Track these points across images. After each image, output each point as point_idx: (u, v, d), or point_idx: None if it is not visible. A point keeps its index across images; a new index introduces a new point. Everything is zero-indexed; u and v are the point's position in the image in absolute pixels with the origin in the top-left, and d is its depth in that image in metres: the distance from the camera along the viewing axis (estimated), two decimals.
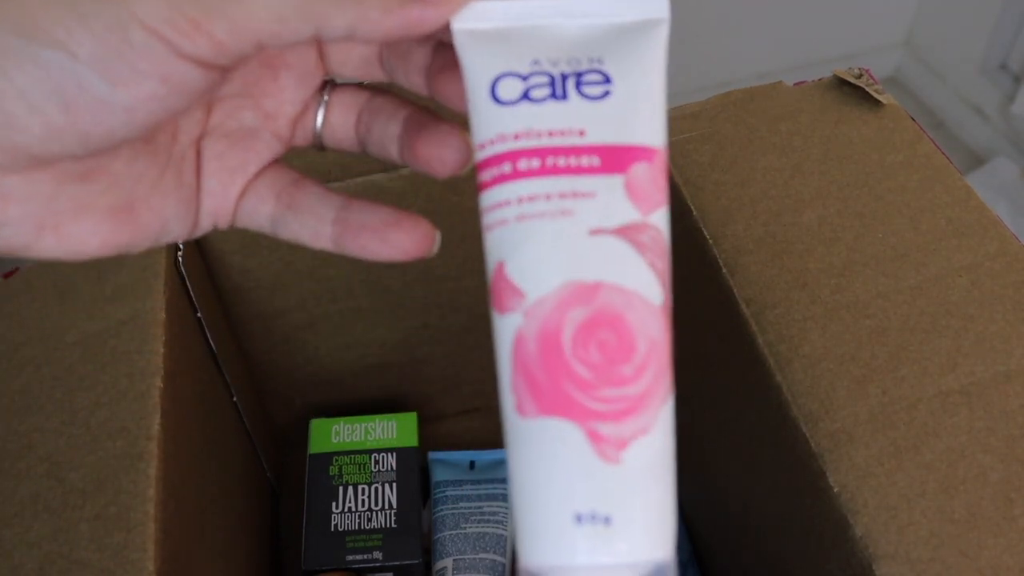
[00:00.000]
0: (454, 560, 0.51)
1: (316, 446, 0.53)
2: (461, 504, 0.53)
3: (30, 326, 0.38)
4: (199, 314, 0.44)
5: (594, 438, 0.20)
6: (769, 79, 0.47)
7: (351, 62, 0.24)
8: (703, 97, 0.46)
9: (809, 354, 0.35)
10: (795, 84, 0.47)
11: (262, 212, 0.24)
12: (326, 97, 0.25)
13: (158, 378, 0.36)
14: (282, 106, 0.24)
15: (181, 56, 0.18)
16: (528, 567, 0.20)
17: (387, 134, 0.25)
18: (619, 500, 0.20)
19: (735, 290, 0.38)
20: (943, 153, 0.43)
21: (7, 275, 0.41)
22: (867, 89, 0.45)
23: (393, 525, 0.49)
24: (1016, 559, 0.30)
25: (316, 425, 0.54)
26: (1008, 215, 1.39)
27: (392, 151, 0.25)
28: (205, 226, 0.24)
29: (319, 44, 0.24)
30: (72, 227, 0.21)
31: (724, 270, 0.38)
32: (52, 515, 0.33)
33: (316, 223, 0.24)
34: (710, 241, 0.39)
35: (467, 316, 0.55)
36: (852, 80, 0.46)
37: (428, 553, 0.52)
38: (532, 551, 0.20)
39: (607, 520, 0.19)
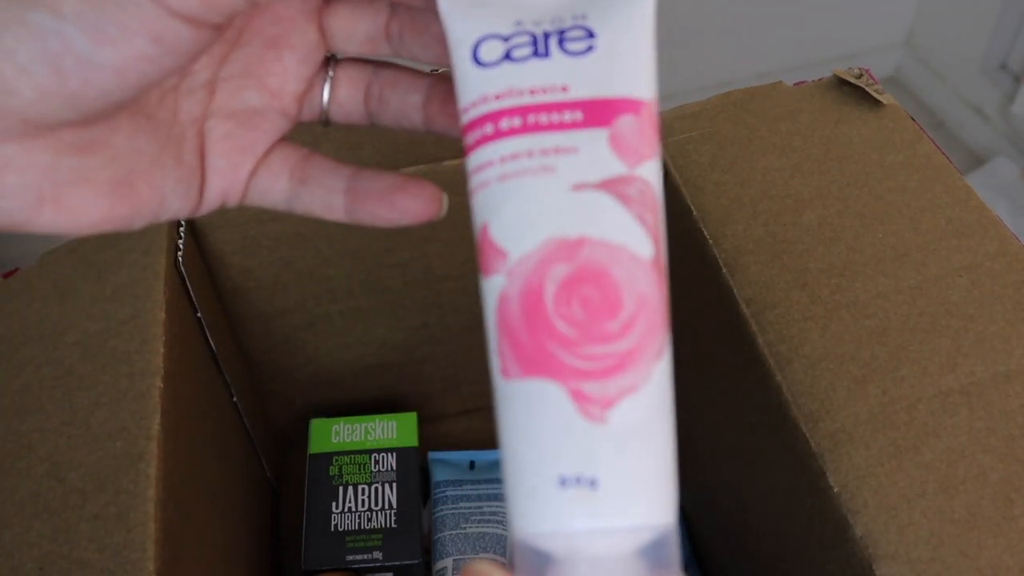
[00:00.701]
0: (454, 560, 0.51)
1: (316, 446, 0.53)
2: (461, 504, 0.53)
3: (30, 326, 0.38)
4: (199, 314, 0.44)
5: (578, 398, 0.19)
6: (769, 79, 0.47)
7: (355, 38, 0.24)
8: (703, 97, 0.46)
9: (809, 354, 0.35)
10: (795, 84, 0.47)
11: (277, 189, 0.25)
12: (331, 73, 0.25)
13: (158, 378, 0.36)
14: (287, 84, 0.24)
15: (171, 13, 0.18)
16: (515, 534, 0.19)
17: (408, 103, 0.25)
18: (606, 461, 0.19)
19: (735, 290, 0.38)
20: (943, 153, 0.43)
21: (7, 275, 0.41)
22: (867, 89, 0.45)
23: (393, 525, 0.49)
24: (1016, 559, 0.30)
25: (316, 425, 0.54)
26: (1008, 215, 1.39)
27: (416, 120, 0.25)
28: (213, 204, 0.24)
29: (320, 19, 0.24)
30: (71, 199, 0.21)
31: (724, 270, 0.38)
32: (52, 515, 0.33)
33: (328, 195, 0.25)
34: (710, 241, 0.39)
35: (467, 316, 0.55)
36: (852, 80, 0.46)
37: (428, 553, 0.52)
38: (517, 517, 0.19)
39: (593, 483, 0.19)
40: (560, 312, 0.19)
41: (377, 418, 0.54)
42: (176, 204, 0.23)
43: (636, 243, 0.20)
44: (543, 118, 0.20)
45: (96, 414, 0.35)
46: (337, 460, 0.52)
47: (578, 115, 0.20)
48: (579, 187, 0.20)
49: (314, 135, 0.42)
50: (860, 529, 0.31)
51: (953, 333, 0.35)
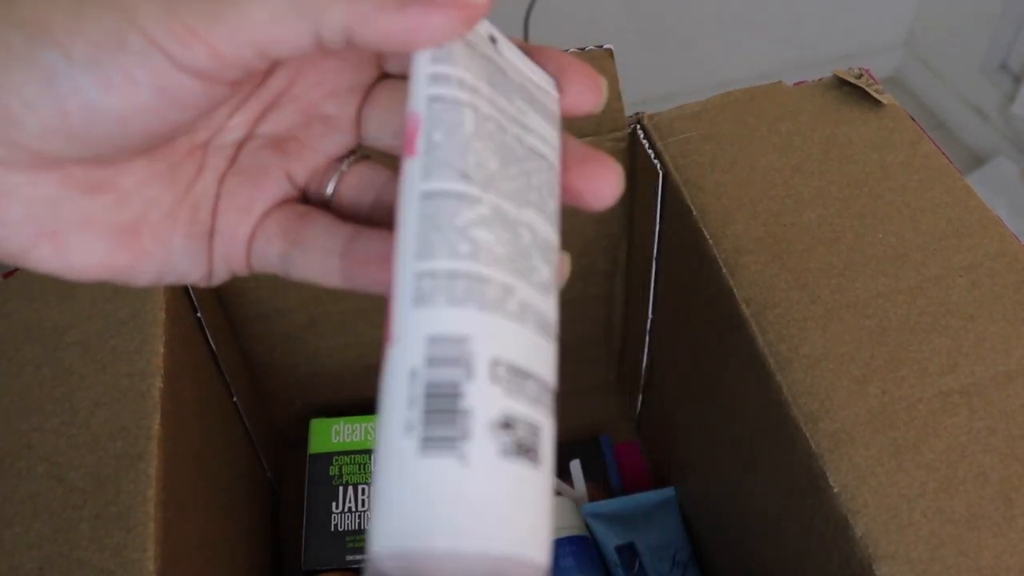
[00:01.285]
0: None
1: (316, 446, 0.53)
2: None
3: (30, 326, 0.38)
4: (199, 314, 0.44)
5: None
6: (769, 79, 0.47)
7: (388, 130, 0.23)
8: (703, 97, 0.46)
9: (809, 354, 0.35)
10: (795, 84, 0.47)
11: (271, 253, 0.23)
12: (345, 166, 0.24)
13: (158, 378, 0.36)
14: (303, 152, 0.23)
15: (179, 67, 0.18)
16: None
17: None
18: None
19: (735, 290, 0.38)
20: (943, 153, 0.43)
21: (7, 275, 0.41)
22: (867, 89, 0.45)
23: None
24: (1016, 559, 0.30)
25: (316, 425, 0.54)
26: (1008, 215, 1.39)
27: None
28: (221, 274, 0.23)
29: (362, 100, 0.23)
30: (71, 239, 0.20)
31: (724, 270, 0.38)
32: (52, 515, 0.33)
33: (324, 258, 0.23)
34: (710, 241, 0.39)
35: None
36: (852, 80, 0.46)
37: None
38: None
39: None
40: None
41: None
42: (184, 267, 0.22)
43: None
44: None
45: (96, 414, 0.35)
46: (337, 460, 0.52)
47: None
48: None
49: None
50: (860, 529, 0.31)
51: (953, 333, 0.35)
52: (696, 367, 0.45)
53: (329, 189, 0.24)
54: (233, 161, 0.23)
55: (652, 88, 1.38)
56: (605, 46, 0.45)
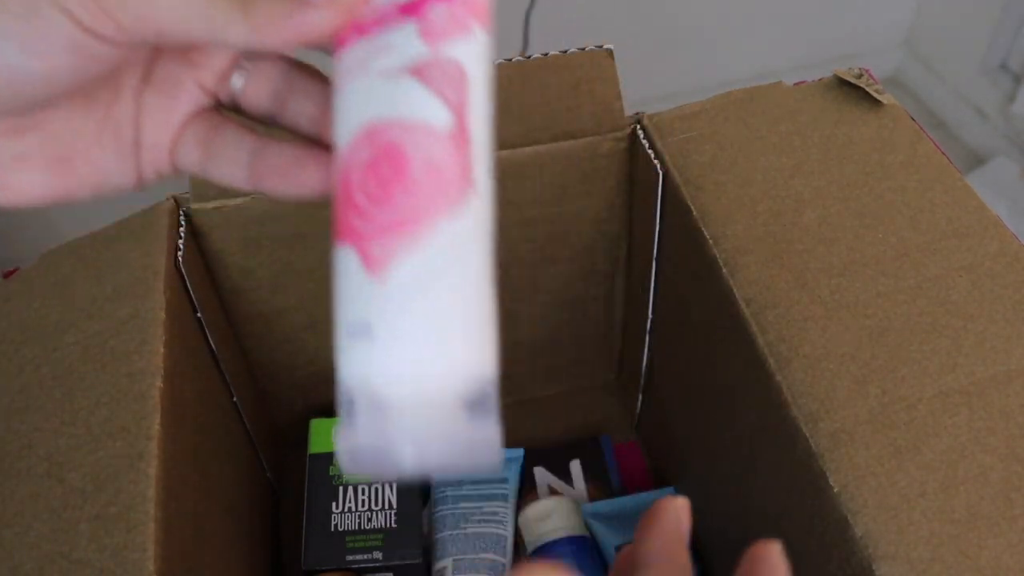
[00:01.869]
0: (454, 560, 0.51)
1: (316, 446, 0.53)
2: (461, 504, 0.53)
3: (30, 326, 0.38)
4: (199, 314, 0.44)
5: (365, 257, 0.21)
6: (769, 79, 0.47)
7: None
8: (703, 97, 0.46)
9: (809, 354, 0.35)
10: (795, 84, 0.47)
11: (191, 161, 0.25)
12: (250, 63, 0.25)
13: (158, 378, 0.36)
14: (208, 59, 0.25)
15: (88, 32, 0.20)
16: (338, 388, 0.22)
17: (301, 111, 0.25)
18: (383, 312, 0.21)
19: (735, 290, 0.38)
20: (943, 153, 0.43)
21: (7, 275, 0.41)
22: (867, 89, 0.45)
23: (393, 525, 0.49)
24: (1016, 559, 0.30)
25: (316, 425, 0.54)
26: (1008, 215, 1.39)
27: (304, 127, 0.25)
28: (149, 176, 0.25)
29: None
30: (11, 176, 0.22)
31: (724, 270, 0.38)
32: (52, 515, 0.32)
33: (233, 168, 0.25)
34: (710, 241, 0.39)
35: None
36: (852, 80, 0.46)
37: (428, 553, 0.52)
38: (337, 371, 0.22)
39: (368, 331, 0.21)
40: (361, 188, 0.22)
41: None
42: (116, 179, 0.24)
43: (432, 117, 0.22)
44: (373, 28, 0.23)
45: (96, 414, 0.35)
46: (337, 460, 0.52)
47: (399, 17, 0.22)
48: (385, 75, 0.22)
49: None
50: (860, 529, 0.31)
51: (953, 333, 0.35)
52: (696, 367, 0.45)
53: (236, 85, 0.25)
54: (146, 77, 0.24)
55: (652, 88, 1.38)
56: (605, 46, 0.45)
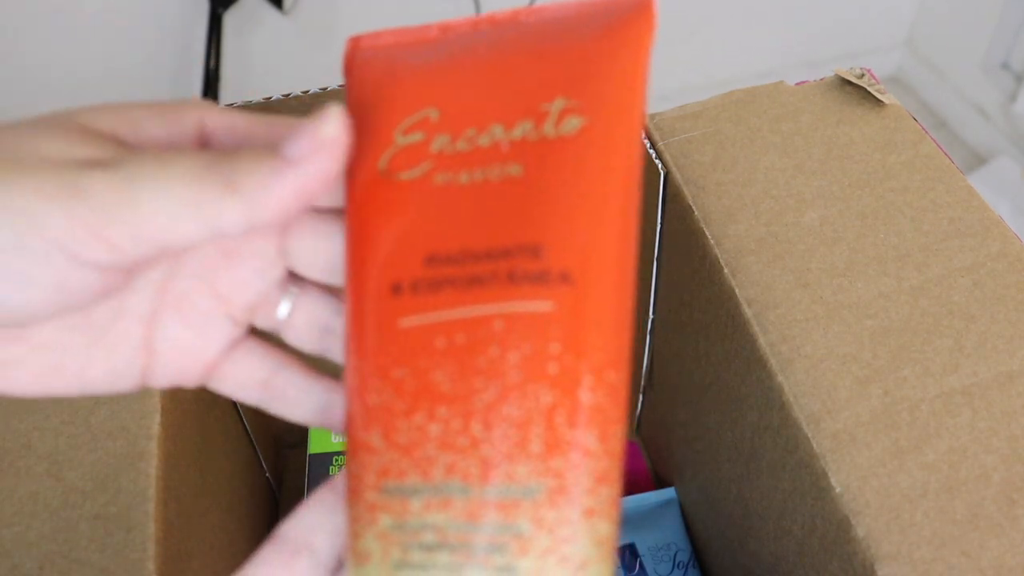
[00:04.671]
0: None
1: (316, 446, 0.53)
2: None
3: None
4: None
5: None
6: (770, 78, 0.47)
7: (317, 263, 0.23)
8: (704, 97, 0.46)
9: (811, 354, 0.35)
10: (797, 84, 0.47)
11: (247, 396, 0.24)
12: (294, 294, 0.24)
13: None
14: (237, 292, 0.24)
15: (78, 261, 0.19)
16: None
17: None
18: None
19: (737, 290, 0.37)
20: (945, 153, 0.43)
21: None
22: (869, 89, 0.45)
23: None
24: (1018, 559, 0.30)
25: None
26: (1010, 215, 1.39)
27: None
28: (161, 385, 0.24)
29: (280, 238, 0.23)
30: (4, 379, 0.21)
31: (726, 270, 0.38)
32: (52, 514, 0.32)
33: (303, 412, 0.24)
34: (711, 241, 0.39)
35: None
36: (854, 80, 0.46)
37: None
38: None
39: None
40: None
41: None
42: (106, 387, 0.23)
43: None
44: None
45: (96, 414, 0.35)
46: (337, 460, 0.52)
47: None
48: None
49: None
50: (862, 529, 0.30)
51: (955, 333, 0.35)
52: (697, 367, 0.45)
53: (281, 315, 0.24)
54: (159, 304, 0.23)
55: (653, 87, 1.38)
56: None
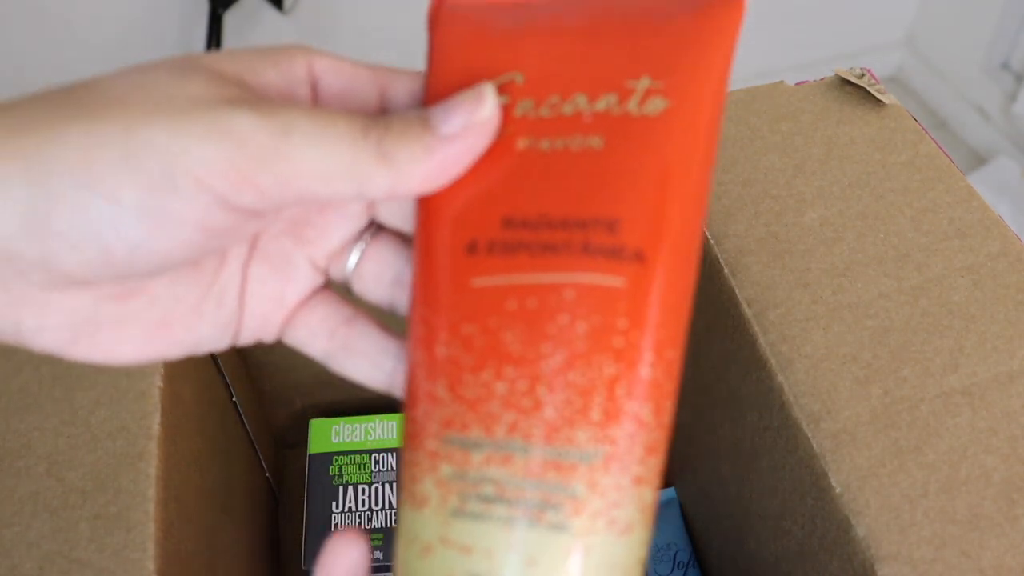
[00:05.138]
0: None
1: (316, 446, 0.53)
2: None
3: None
4: None
5: None
6: (770, 79, 0.47)
7: (401, 211, 0.24)
8: None
9: (811, 354, 0.35)
10: (796, 84, 0.47)
11: (315, 346, 0.24)
12: (364, 243, 0.24)
13: (158, 378, 0.36)
14: (321, 238, 0.24)
15: (224, 205, 0.19)
16: None
17: None
18: None
19: (737, 290, 0.37)
20: (945, 153, 0.43)
21: None
22: (869, 89, 0.45)
23: (393, 525, 0.49)
24: (1018, 559, 0.30)
25: (316, 425, 0.54)
26: (1010, 215, 1.39)
27: None
28: (245, 341, 0.24)
29: None
30: (107, 339, 0.21)
31: (726, 270, 0.38)
32: (52, 514, 0.32)
33: (371, 369, 0.24)
34: (711, 241, 0.39)
35: None
36: (854, 80, 0.46)
37: None
38: None
39: None
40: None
41: (377, 418, 0.54)
42: (210, 344, 0.23)
43: None
44: None
45: (96, 414, 0.35)
46: (337, 460, 0.52)
47: None
48: None
49: None
50: (862, 529, 0.30)
51: (955, 333, 0.35)
52: (697, 367, 0.45)
53: (350, 264, 0.24)
54: (254, 248, 0.23)
55: None
56: None
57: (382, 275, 0.24)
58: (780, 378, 0.35)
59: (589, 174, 0.21)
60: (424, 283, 0.22)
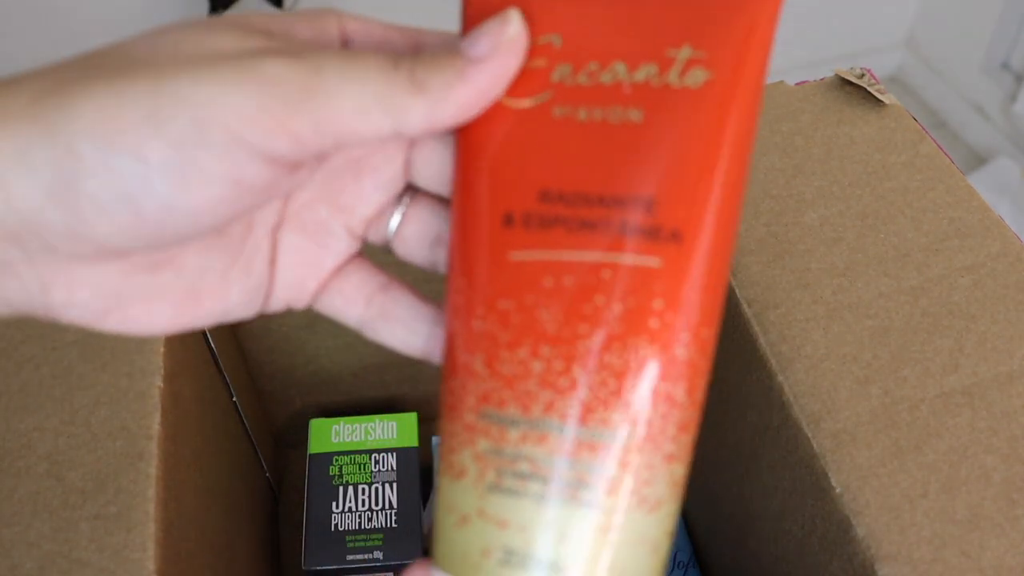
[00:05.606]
0: None
1: (316, 446, 0.53)
2: None
3: (29, 324, 0.38)
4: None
5: None
6: (770, 78, 0.47)
7: (437, 177, 0.23)
8: None
9: (811, 354, 0.35)
10: (796, 84, 0.47)
11: (350, 314, 0.24)
12: (405, 205, 0.24)
13: (158, 378, 0.36)
14: (358, 204, 0.23)
15: (258, 157, 0.18)
16: None
17: None
18: None
19: (737, 290, 0.37)
20: (945, 153, 0.43)
21: None
22: (869, 89, 0.45)
23: (393, 525, 0.49)
24: (1019, 559, 0.30)
25: (316, 425, 0.54)
26: (1010, 215, 1.39)
27: None
28: (275, 308, 0.24)
29: (408, 149, 0.23)
30: (137, 311, 0.21)
31: None
32: (52, 514, 0.32)
33: (408, 335, 0.24)
34: None
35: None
36: (854, 80, 0.46)
37: (428, 553, 0.52)
38: None
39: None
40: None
41: (377, 418, 0.54)
42: (239, 312, 0.23)
43: None
44: None
45: (96, 414, 0.35)
46: (337, 460, 0.52)
47: None
48: None
49: None
50: (862, 529, 0.30)
51: (955, 333, 0.35)
52: None
53: (391, 227, 0.24)
54: (285, 215, 0.23)
55: None
56: None
57: (424, 236, 0.24)
58: (780, 378, 0.35)
59: (627, 149, 0.21)
60: (462, 253, 0.22)
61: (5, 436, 0.35)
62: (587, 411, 0.20)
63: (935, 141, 0.43)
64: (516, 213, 0.21)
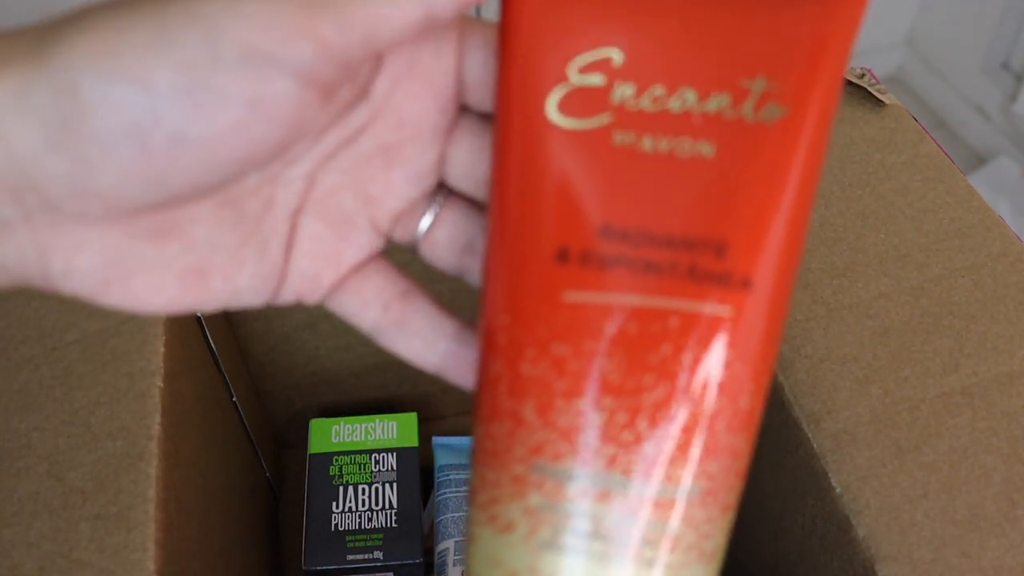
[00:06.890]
0: (456, 542, 0.51)
1: (316, 446, 0.53)
2: (464, 487, 0.53)
3: (30, 325, 0.38)
4: (199, 314, 0.44)
5: None
6: None
7: (471, 177, 0.22)
8: None
9: (811, 354, 0.35)
10: None
11: (364, 317, 0.22)
12: (439, 205, 0.22)
13: (158, 378, 0.36)
14: (386, 196, 0.22)
15: (278, 69, 0.17)
16: None
17: None
18: None
19: None
20: (945, 153, 0.43)
21: None
22: (869, 89, 0.45)
23: (393, 525, 0.49)
24: (1018, 560, 0.30)
25: (316, 425, 0.54)
26: (1010, 215, 1.39)
27: None
28: (286, 299, 0.22)
29: (445, 142, 0.22)
30: (139, 284, 0.20)
31: None
32: (52, 515, 0.32)
33: (424, 349, 0.22)
34: None
35: (468, 316, 0.55)
36: (854, 80, 0.45)
37: (428, 553, 0.52)
38: None
39: None
40: None
41: (377, 418, 0.54)
42: (248, 298, 0.21)
43: None
44: None
45: (96, 414, 0.35)
46: (337, 460, 0.52)
47: None
48: None
49: None
50: (862, 530, 0.30)
51: (955, 333, 0.35)
52: None
53: (421, 228, 0.22)
54: (306, 198, 0.21)
55: None
56: None
57: (454, 241, 0.22)
58: (780, 378, 0.35)
59: (697, 186, 0.19)
60: (505, 287, 0.20)
61: (5, 436, 0.35)
62: (652, 466, 0.19)
63: (935, 141, 0.43)
64: (572, 249, 0.19)
